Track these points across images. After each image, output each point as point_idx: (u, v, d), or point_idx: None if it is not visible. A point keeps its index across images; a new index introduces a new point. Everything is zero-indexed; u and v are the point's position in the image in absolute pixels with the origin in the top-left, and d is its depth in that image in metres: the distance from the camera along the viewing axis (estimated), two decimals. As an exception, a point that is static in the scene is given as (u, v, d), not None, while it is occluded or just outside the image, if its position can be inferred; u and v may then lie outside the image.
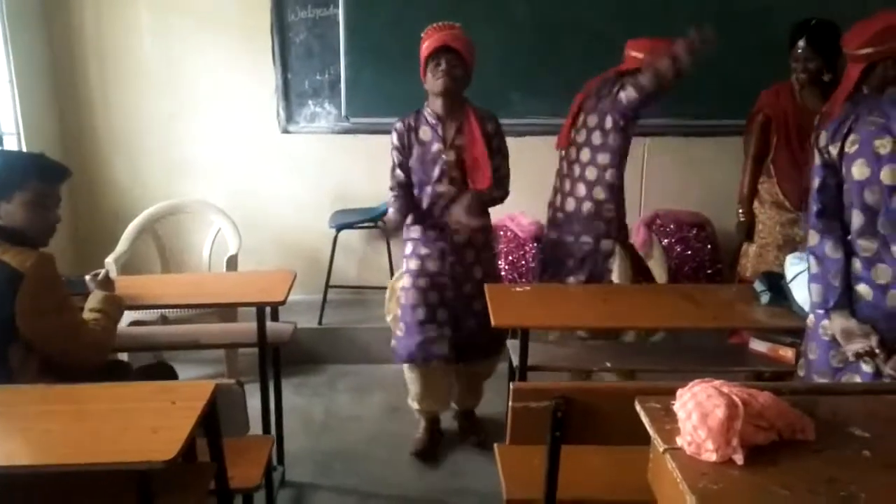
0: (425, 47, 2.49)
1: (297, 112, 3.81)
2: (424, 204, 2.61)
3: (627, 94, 2.51)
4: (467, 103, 2.59)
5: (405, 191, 2.62)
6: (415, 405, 2.81)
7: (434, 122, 2.57)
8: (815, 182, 1.85)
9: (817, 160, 1.84)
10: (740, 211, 3.01)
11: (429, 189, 2.59)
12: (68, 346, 1.90)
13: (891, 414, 1.40)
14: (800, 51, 2.74)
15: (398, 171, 2.63)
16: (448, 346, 2.62)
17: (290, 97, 3.78)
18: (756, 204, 2.98)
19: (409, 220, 2.64)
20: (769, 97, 2.89)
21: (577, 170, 2.68)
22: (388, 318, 2.82)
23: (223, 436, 1.74)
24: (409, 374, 2.75)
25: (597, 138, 2.61)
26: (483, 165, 2.53)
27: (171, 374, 2.30)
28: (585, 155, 2.64)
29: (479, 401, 2.93)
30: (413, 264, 2.63)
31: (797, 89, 2.83)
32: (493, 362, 2.82)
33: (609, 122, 2.58)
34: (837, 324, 1.75)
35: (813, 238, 1.85)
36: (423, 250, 2.62)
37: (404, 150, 2.60)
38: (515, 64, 3.64)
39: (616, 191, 2.63)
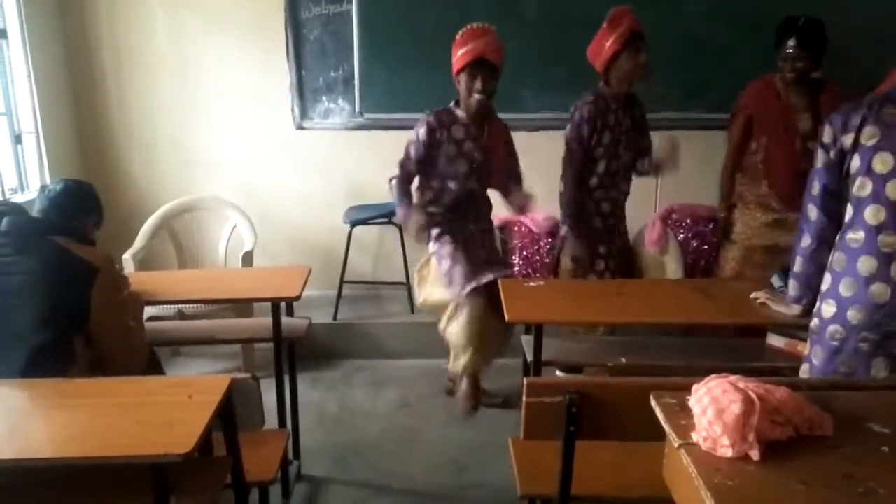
0: (463, 55, 2.63)
1: (312, 108, 3.82)
2: (447, 199, 2.77)
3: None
4: (492, 108, 2.83)
5: (408, 183, 2.78)
6: (465, 356, 2.77)
7: (467, 122, 2.76)
8: (816, 187, 1.82)
9: (820, 160, 1.81)
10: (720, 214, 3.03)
11: (453, 185, 2.76)
12: (119, 345, 1.98)
13: (911, 410, 1.38)
14: (789, 50, 2.70)
15: (412, 165, 2.74)
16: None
17: (305, 93, 3.79)
18: (739, 206, 2.95)
19: (433, 209, 2.81)
20: (752, 96, 2.85)
21: None
22: (420, 301, 2.97)
23: (239, 430, 1.75)
24: (466, 315, 2.72)
25: None
26: (498, 167, 2.85)
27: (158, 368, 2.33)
28: None
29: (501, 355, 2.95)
30: (446, 239, 2.81)
31: (782, 87, 2.79)
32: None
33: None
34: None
35: (806, 240, 1.87)
36: (449, 235, 2.82)
37: (432, 146, 2.72)
38: (527, 59, 3.62)
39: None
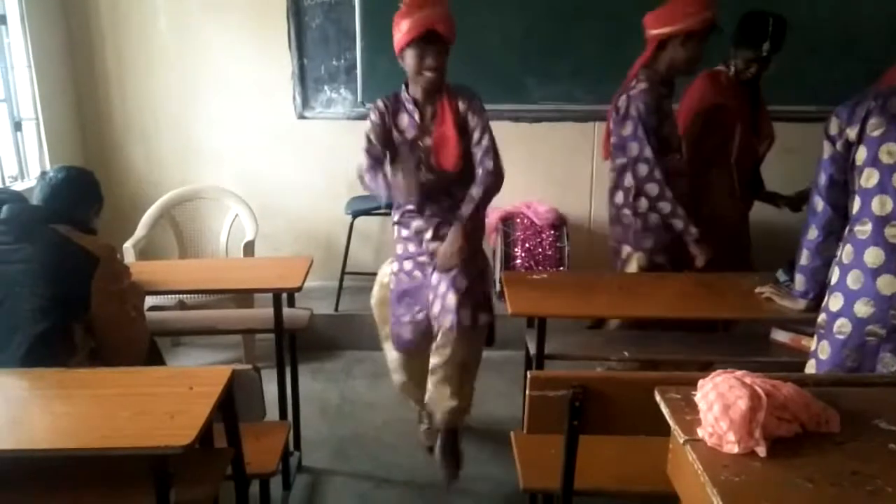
0: (409, 28, 2.22)
1: (313, 97, 3.79)
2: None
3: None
4: (446, 84, 2.36)
5: (378, 166, 2.36)
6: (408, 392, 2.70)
7: (411, 107, 2.37)
8: (822, 179, 1.82)
9: (826, 152, 1.80)
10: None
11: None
12: (120, 335, 1.97)
13: (918, 407, 1.36)
14: (765, 53, 2.65)
15: (374, 147, 2.39)
16: (430, 330, 2.43)
17: (307, 82, 3.76)
18: (715, 200, 2.77)
19: (396, 217, 2.49)
20: (716, 91, 2.70)
21: None
22: (373, 302, 2.70)
23: (240, 421, 1.75)
24: (397, 362, 2.65)
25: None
26: (449, 144, 2.32)
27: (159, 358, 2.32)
28: None
29: (465, 402, 2.46)
30: (408, 265, 2.48)
31: (733, 80, 2.72)
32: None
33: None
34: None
35: (812, 233, 1.87)
36: (412, 248, 2.47)
37: (384, 129, 2.39)
38: (530, 49, 3.60)
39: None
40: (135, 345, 2.03)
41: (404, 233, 2.48)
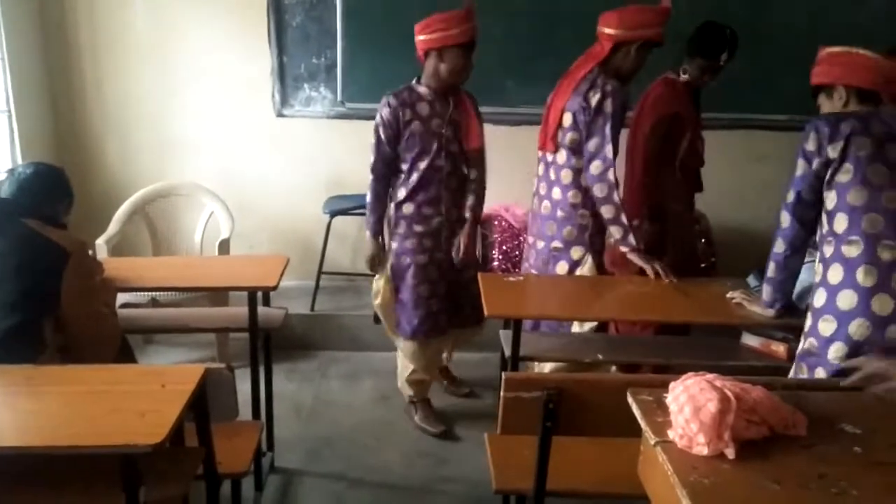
0: (458, 34, 2.52)
1: (293, 95, 3.77)
2: (416, 178, 2.66)
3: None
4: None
5: (386, 175, 2.71)
6: (417, 377, 2.87)
7: (431, 98, 2.64)
8: (792, 195, 1.81)
9: (800, 169, 1.79)
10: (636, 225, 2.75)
11: (423, 164, 2.64)
12: (90, 332, 1.94)
13: (883, 411, 1.40)
14: (722, 63, 2.70)
15: (386, 148, 2.67)
16: (447, 318, 2.81)
17: (286, 80, 3.74)
18: (668, 200, 2.79)
19: (402, 194, 2.70)
20: (673, 99, 2.72)
21: None
22: (377, 302, 2.86)
23: (212, 420, 1.73)
24: (411, 349, 2.80)
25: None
26: (473, 125, 2.71)
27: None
28: None
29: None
30: (410, 243, 2.72)
31: (685, 89, 2.76)
32: (480, 329, 2.94)
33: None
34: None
35: (780, 246, 1.88)
36: (419, 227, 2.71)
37: (398, 125, 2.64)
38: (512, 52, 3.61)
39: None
40: (106, 342, 2.00)
41: (418, 228, 2.72)
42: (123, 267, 2.46)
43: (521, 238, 3.58)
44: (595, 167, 2.42)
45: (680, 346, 2.55)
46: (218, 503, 1.85)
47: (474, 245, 2.81)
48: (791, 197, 1.82)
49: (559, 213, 2.55)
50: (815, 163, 1.76)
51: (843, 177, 1.72)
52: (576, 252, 2.55)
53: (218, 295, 3.15)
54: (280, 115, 3.78)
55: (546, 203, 2.59)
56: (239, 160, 3.85)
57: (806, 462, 1.20)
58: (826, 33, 3.58)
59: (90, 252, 2.04)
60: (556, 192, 2.55)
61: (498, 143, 3.61)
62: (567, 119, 2.49)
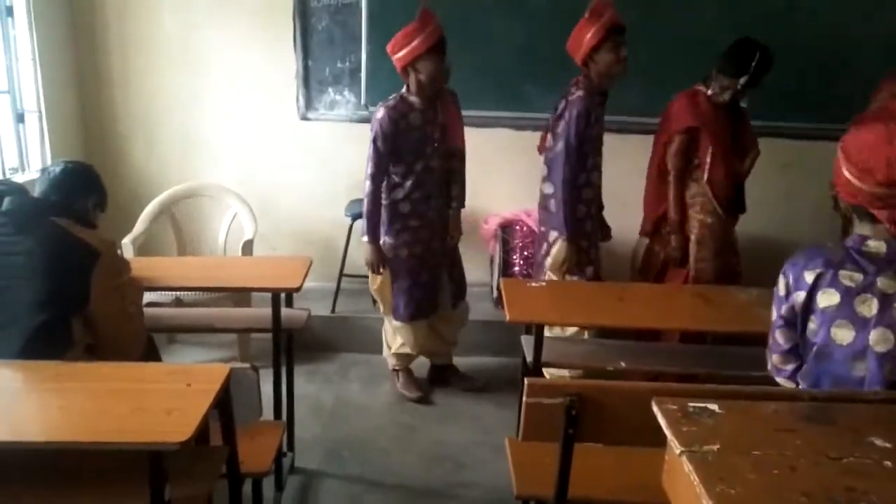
0: (425, 38, 2.66)
1: (317, 99, 3.80)
2: (412, 180, 2.86)
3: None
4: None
5: (382, 181, 2.88)
6: (404, 351, 3.13)
7: (422, 107, 2.82)
8: (778, 321, 1.63)
9: (775, 312, 1.64)
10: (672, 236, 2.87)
11: (419, 167, 2.86)
12: (118, 330, 1.96)
13: (913, 425, 1.37)
14: (739, 87, 2.70)
15: (384, 158, 2.83)
16: (437, 299, 3.06)
17: (311, 84, 3.77)
18: (701, 216, 2.85)
19: (400, 194, 2.89)
20: (693, 112, 2.77)
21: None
22: (374, 287, 3.08)
23: (236, 420, 1.74)
24: (406, 331, 3.06)
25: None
26: (457, 125, 2.95)
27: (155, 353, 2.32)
28: None
29: (454, 347, 3.26)
30: (407, 236, 2.93)
31: (711, 102, 2.77)
32: (465, 307, 3.21)
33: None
34: None
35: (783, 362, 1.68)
36: (415, 222, 2.93)
37: (397, 135, 2.79)
38: (533, 57, 3.59)
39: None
40: (132, 341, 2.02)
41: (413, 223, 2.92)
42: (149, 266, 2.50)
43: (543, 243, 3.58)
44: (556, 165, 2.77)
45: (703, 354, 2.52)
46: (240, 502, 1.86)
47: (460, 226, 3.10)
48: (772, 340, 1.66)
49: (540, 202, 2.94)
50: (784, 308, 1.61)
51: (811, 329, 1.56)
52: (551, 235, 2.87)
53: (240, 295, 3.17)
54: (304, 118, 3.82)
55: (539, 196, 2.96)
56: (262, 162, 3.88)
57: (834, 475, 1.18)
58: (849, 42, 3.58)
59: (118, 251, 2.07)
60: (542, 184, 2.91)
61: (519, 148, 3.62)
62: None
